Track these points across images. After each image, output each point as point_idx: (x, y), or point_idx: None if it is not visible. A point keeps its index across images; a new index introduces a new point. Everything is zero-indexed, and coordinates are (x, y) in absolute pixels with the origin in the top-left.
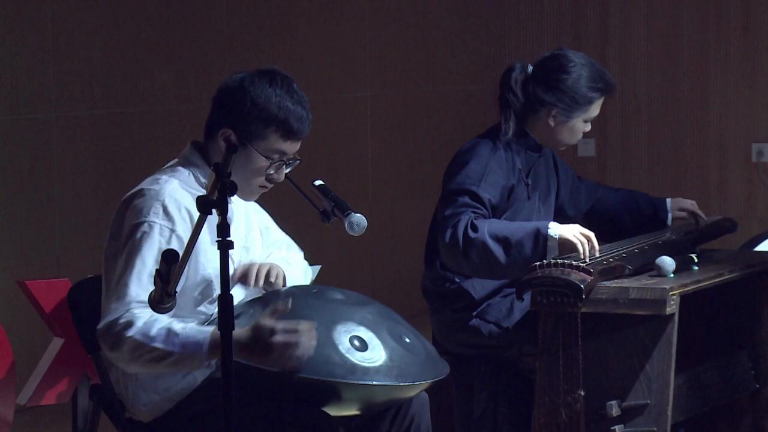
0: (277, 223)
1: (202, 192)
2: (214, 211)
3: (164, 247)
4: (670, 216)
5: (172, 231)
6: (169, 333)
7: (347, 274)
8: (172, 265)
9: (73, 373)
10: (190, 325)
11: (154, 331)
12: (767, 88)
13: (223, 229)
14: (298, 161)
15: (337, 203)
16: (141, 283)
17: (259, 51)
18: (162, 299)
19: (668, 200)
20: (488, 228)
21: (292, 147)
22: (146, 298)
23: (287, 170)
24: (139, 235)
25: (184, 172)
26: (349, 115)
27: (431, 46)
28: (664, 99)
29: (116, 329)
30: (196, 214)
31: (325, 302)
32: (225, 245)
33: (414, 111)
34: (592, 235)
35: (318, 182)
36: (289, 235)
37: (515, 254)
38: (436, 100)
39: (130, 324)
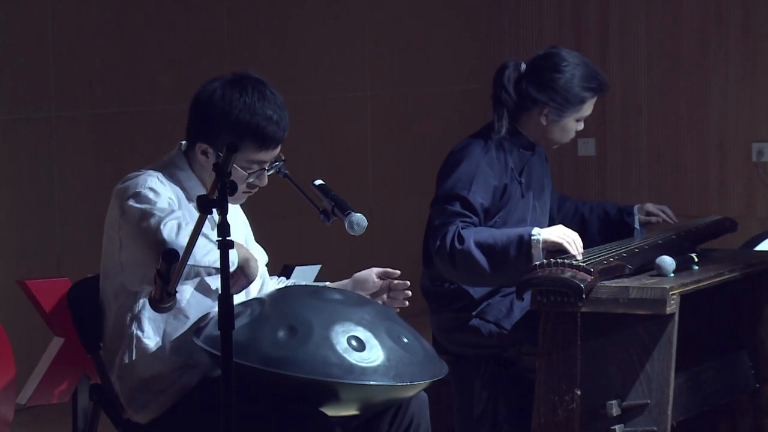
0: (278, 223)
1: (182, 190)
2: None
3: (171, 195)
4: (636, 219)
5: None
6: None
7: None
8: (172, 264)
9: (73, 372)
10: None
11: None
12: (767, 88)
13: (223, 228)
14: (282, 161)
15: (338, 203)
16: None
17: (259, 51)
18: (162, 298)
19: (636, 206)
20: (474, 238)
21: (269, 155)
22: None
23: (270, 172)
24: (147, 199)
25: (167, 172)
26: (349, 115)
27: (431, 46)
28: (664, 99)
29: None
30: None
31: (324, 302)
32: (225, 245)
33: (414, 111)
34: (576, 235)
35: (318, 182)
36: (290, 235)
37: (500, 262)
38: (436, 100)
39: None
